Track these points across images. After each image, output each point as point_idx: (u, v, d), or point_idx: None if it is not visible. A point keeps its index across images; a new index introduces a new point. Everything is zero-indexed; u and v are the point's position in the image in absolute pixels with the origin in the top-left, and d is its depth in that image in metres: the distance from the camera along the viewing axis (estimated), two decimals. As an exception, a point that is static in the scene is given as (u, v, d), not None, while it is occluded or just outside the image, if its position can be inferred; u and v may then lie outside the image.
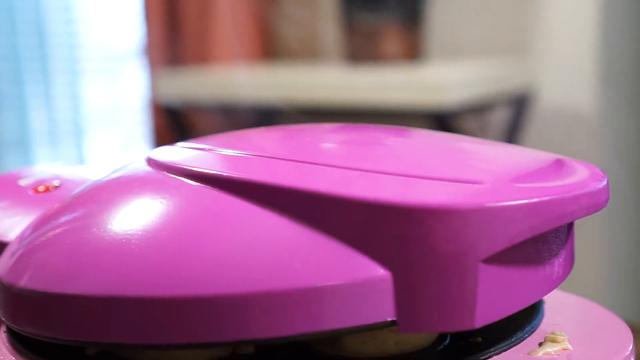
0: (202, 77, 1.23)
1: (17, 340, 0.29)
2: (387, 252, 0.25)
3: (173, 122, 1.31)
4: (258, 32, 1.38)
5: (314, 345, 0.28)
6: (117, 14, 1.75)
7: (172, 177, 0.29)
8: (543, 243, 0.28)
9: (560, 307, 0.32)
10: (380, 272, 0.25)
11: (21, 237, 0.30)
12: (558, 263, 0.28)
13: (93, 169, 0.36)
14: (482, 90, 1.09)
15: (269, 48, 1.42)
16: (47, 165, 0.37)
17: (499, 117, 1.22)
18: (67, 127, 1.88)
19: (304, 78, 1.17)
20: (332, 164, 0.28)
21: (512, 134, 1.19)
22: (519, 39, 1.23)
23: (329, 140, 0.34)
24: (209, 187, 0.28)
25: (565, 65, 1.19)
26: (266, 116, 1.29)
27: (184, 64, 1.37)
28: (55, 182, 0.34)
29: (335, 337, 0.27)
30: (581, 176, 0.28)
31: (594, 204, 0.27)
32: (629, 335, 0.29)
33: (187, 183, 0.28)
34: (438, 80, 1.03)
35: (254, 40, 1.38)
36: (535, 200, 0.25)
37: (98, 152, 1.87)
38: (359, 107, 1.07)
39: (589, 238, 1.16)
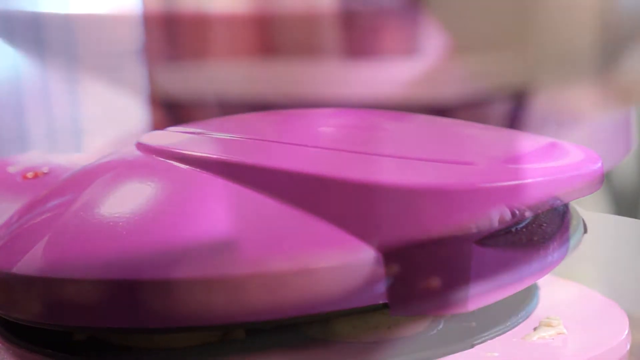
0: (201, 72, 1.23)
1: (4, 325, 0.29)
2: (379, 234, 0.24)
3: (172, 118, 1.31)
4: (256, 26, 1.38)
5: (305, 330, 0.28)
6: (115, 10, 1.75)
7: (161, 160, 0.29)
8: (537, 225, 0.27)
9: (555, 292, 0.32)
10: (371, 254, 0.24)
11: (8, 223, 0.30)
12: (552, 246, 0.28)
13: (83, 157, 0.35)
14: (480, 84, 1.08)
15: (267, 42, 1.42)
16: (36, 153, 0.37)
17: (497, 112, 1.22)
18: (64, 124, 1.88)
19: (302, 73, 1.17)
20: (323, 146, 0.28)
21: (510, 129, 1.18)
22: (517, 33, 1.23)
23: (320, 123, 0.33)
24: (198, 169, 0.27)
25: (565, 60, 1.19)
26: (265, 110, 1.28)
27: (182, 60, 1.37)
28: (44, 169, 0.33)
29: (326, 321, 0.27)
30: (575, 158, 0.28)
31: (587, 185, 0.27)
32: (624, 319, 0.29)
33: (176, 166, 0.28)
34: (436, 74, 1.03)
35: (251, 35, 1.38)
36: (529, 181, 0.25)
37: (96, 149, 1.87)
38: (357, 101, 1.06)
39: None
